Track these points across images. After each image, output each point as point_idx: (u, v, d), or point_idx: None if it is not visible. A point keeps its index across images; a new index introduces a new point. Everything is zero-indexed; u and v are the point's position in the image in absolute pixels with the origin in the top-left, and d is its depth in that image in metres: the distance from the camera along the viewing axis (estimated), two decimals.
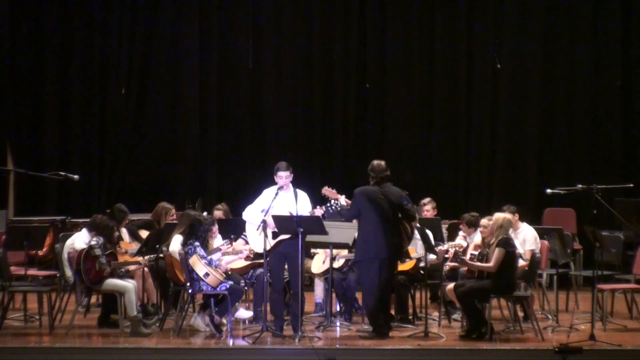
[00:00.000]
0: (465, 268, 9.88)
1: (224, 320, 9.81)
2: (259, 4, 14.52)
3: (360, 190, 9.60)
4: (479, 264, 9.57)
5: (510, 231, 9.74)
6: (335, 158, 14.40)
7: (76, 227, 11.55)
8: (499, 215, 9.67)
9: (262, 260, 9.69)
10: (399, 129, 14.42)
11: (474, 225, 10.56)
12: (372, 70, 14.48)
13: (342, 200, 9.85)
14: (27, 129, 14.35)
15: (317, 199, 10.09)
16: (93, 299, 10.84)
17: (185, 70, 14.45)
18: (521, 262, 9.84)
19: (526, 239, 10.35)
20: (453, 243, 10.38)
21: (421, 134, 14.46)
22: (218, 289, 9.60)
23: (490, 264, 9.41)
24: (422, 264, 10.16)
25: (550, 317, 10.68)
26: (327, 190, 10.00)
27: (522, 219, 10.63)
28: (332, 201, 9.78)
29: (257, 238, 9.55)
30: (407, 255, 9.97)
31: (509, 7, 14.35)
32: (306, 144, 14.39)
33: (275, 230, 9.41)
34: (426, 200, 11.62)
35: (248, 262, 10.39)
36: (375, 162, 9.72)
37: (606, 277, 10.66)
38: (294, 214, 9.43)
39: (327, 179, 13.80)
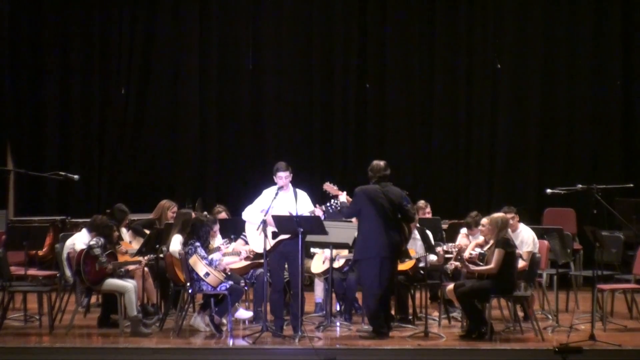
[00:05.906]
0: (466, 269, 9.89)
1: (224, 320, 9.81)
2: (259, 4, 14.52)
3: (360, 188, 9.62)
4: (477, 267, 9.57)
5: (509, 232, 9.73)
6: (335, 158, 14.39)
7: (76, 227, 11.54)
8: (494, 215, 9.67)
9: (262, 260, 9.69)
10: (399, 129, 14.42)
11: (476, 225, 10.55)
12: (372, 70, 14.47)
13: (343, 197, 9.82)
14: (27, 129, 14.35)
15: (317, 199, 10.08)
16: (93, 299, 10.83)
17: (185, 70, 14.44)
18: (520, 263, 9.83)
19: (524, 240, 10.31)
20: (455, 244, 10.37)
21: (421, 134, 14.47)
22: (218, 289, 9.60)
23: (491, 265, 9.40)
24: (422, 264, 10.16)
25: (550, 317, 10.67)
26: (328, 186, 9.97)
27: (522, 219, 10.61)
28: (332, 200, 9.77)
29: (257, 238, 9.54)
30: (407, 255, 9.96)
31: (508, 7, 14.35)
32: (306, 144, 14.39)
33: (275, 230, 9.41)
34: (422, 203, 11.62)
35: (248, 262, 10.39)
36: (375, 162, 9.76)
37: (606, 277, 10.64)
38: (294, 214, 9.43)
39: (327, 179, 13.88)
